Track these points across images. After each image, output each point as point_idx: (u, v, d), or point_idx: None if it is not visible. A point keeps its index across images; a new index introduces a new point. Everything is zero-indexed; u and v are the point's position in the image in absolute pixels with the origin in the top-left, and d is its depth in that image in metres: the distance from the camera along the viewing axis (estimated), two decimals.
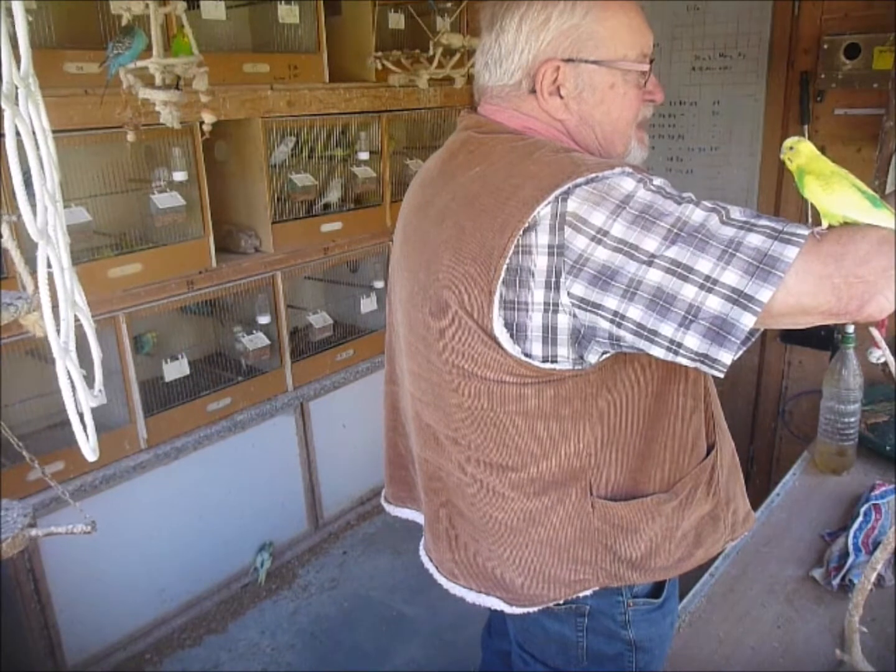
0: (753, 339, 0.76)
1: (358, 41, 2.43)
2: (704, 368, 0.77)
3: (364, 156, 2.52)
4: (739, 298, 0.72)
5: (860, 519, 1.41)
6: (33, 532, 0.88)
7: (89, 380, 0.68)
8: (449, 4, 2.52)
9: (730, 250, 0.73)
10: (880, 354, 1.19)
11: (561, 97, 0.92)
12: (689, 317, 0.74)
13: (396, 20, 2.51)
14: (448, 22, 2.49)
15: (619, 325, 0.78)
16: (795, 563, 1.38)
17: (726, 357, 0.74)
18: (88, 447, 0.65)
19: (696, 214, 0.76)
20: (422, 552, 1.16)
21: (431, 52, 2.45)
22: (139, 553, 2.07)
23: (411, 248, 0.99)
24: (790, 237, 0.73)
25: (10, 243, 0.65)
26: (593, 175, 0.79)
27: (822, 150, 2.45)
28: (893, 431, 1.70)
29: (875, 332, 1.14)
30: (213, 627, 2.26)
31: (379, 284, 2.65)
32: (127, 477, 1.99)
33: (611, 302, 0.77)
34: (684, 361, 0.78)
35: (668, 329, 0.75)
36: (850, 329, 1.51)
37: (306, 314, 2.52)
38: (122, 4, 1.48)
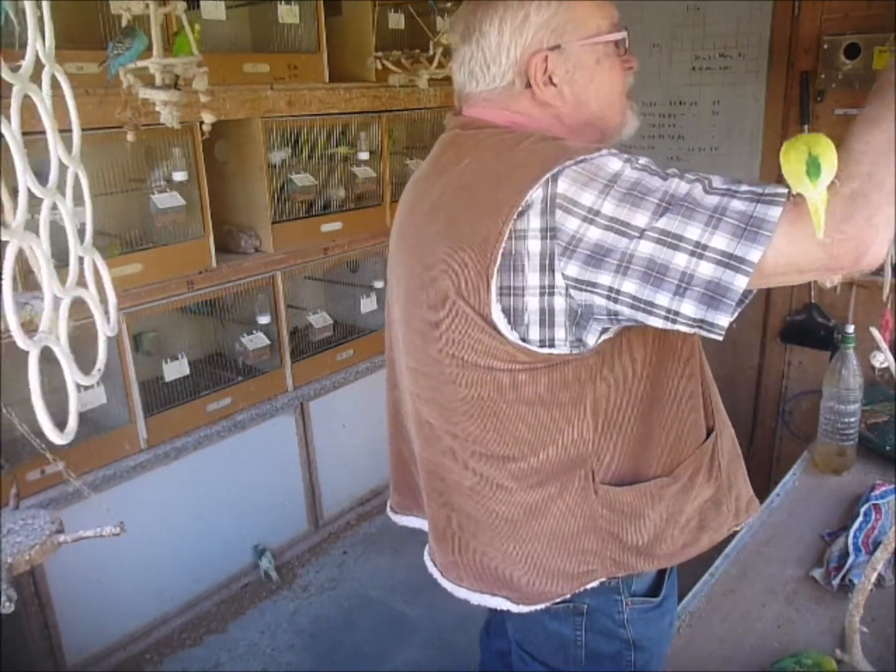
0: (748, 301, 0.78)
1: (358, 41, 2.43)
2: (703, 333, 0.79)
3: (364, 156, 2.52)
4: (731, 261, 0.74)
5: (860, 519, 1.41)
6: (61, 538, 0.87)
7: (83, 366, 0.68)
8: (449, 4, 2.52)
9: (716, 216, 0.75)
10: (884, 358, 1.18)
11: (555, 85, 0.94)
12: (683, 284, 0.76)
13: (396, 20, 2.51)
14: (448, 22, 2.49)
15: (615, 301, 0.80)
16: (795, 563, 1.38)
17: (723, 320, 0.76)
18: (55, 431, 0.64)
19: (682, 187, 0.78)
20: (426, 557, 1.15)
21: (431, 52, 2.45)
22: (139, 553, 2.06)
23: (406, 244, 1.01)
24: (772, 198, 0.75)
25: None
26: (581, 157, 0.81)
27: None
28: (893, 431, 1.70)
29: (876, 333, 1.14)
30: (213, 627, 2.26)
31: (379, 284, 2.65)
32: (127, 477, 1.99)
33: (605, 278, 0.79)
34: (683, 329, 0.80)
35: (663, 299, 0.77)
36: (850, 329, 1.51)
37: (306, 314, 2.52)
38: (122, 4, 1.48)
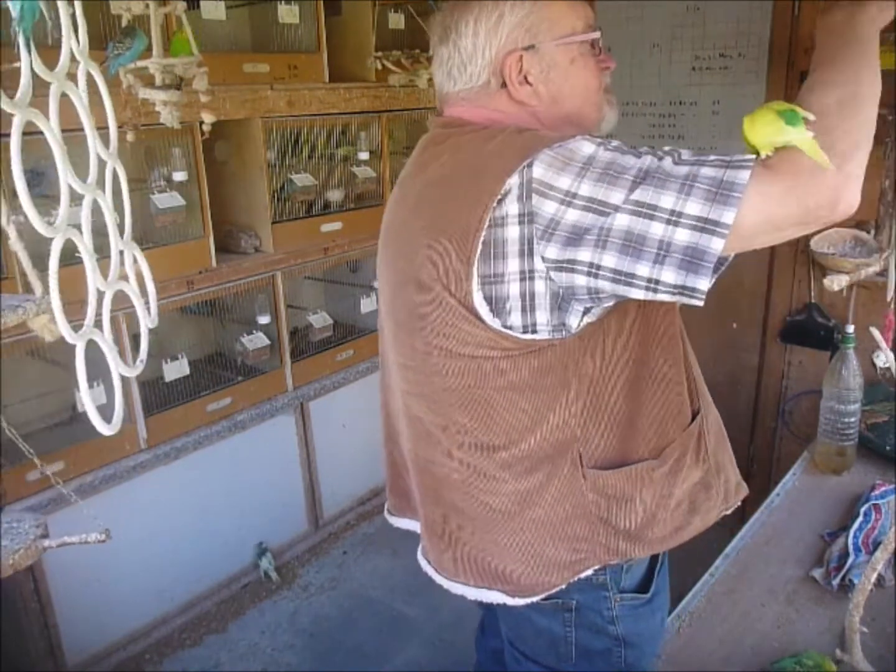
0: (725, 267, 0.80)
1: (358, 41, 2.43)
2: (684, 300, 0.80)
3: (364, 156, 2.52)
4: (706, 225, 0.76)
5: (860, 519, 1.41)
6: (46, 543, 0.86)
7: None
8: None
9: (688, 183, 0.77)
10: (885, 358, 1.19)
11: (530, 84, 0.96)
12: (662, 252, 0.78)
13: (396, 20, 2.51)
14: None
15: (595, 276, 0.81)
16: (795, 563, 1.38)
17: (703, 284, 0.78)
18: (105, 425, 0.65)
19: (653, 162, 0.80)
20: (419, 556, 1.16)
21: (431, 52, 2.45)
22: (139, 553, 2.06)
23: (392, 241, 1.02)
24: (740, 163, 0.77)
25: (17, 245, 0.65)
26: (556, 144, 0.83)
27: None
28: (893, 431, 1.70)
29: (876, 333, 1.14)
30: (213, 627, 2.26)
31: None
32: (127, 477, 1.99)
33: (585, 255, 0.80)
34: (664, 297, 0.81)
35: (643, 269, 0.79)
36: (850, 329, 1.51)
37: (306, 314, 2.52)
38: (122, 4, 1.47)
